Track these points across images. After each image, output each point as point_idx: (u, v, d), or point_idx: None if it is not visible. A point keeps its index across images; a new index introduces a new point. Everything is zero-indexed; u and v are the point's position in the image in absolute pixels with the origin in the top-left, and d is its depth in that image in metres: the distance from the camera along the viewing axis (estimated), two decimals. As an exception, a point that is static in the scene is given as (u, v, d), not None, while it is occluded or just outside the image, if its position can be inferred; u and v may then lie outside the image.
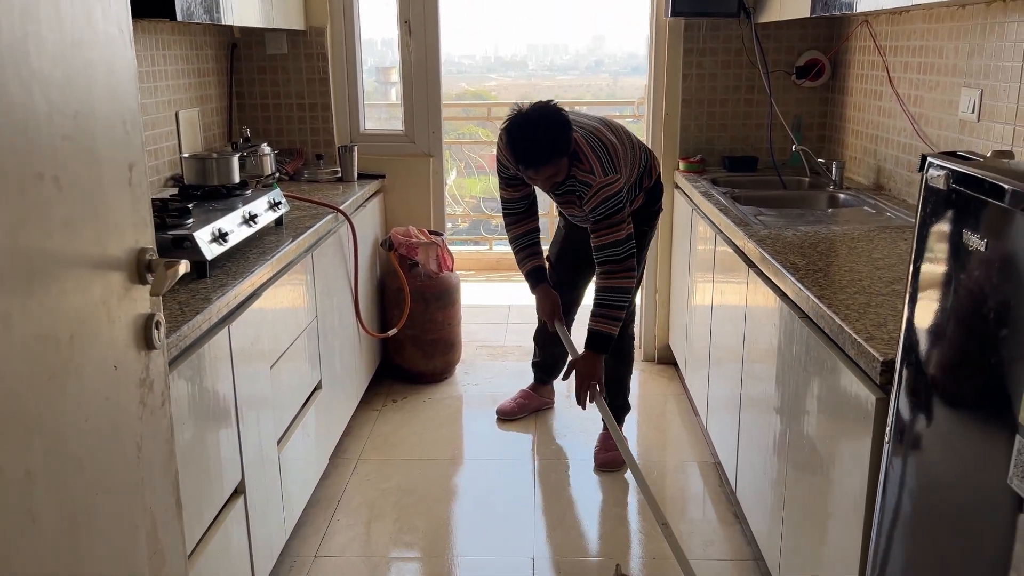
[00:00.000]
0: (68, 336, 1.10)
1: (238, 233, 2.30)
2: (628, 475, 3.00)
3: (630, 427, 3.31)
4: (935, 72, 2.65)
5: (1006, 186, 1.12)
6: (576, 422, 3.42)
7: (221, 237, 2.19)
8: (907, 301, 1.38)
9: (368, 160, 3.71)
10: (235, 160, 2.71)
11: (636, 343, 3.59)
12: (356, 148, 3.56)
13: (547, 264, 3.11)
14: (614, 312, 2.67)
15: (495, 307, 4.92)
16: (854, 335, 1.62)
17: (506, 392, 3.65)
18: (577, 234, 3.08)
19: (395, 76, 7.33)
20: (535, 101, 2.59)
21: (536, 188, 2.88)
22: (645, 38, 3.78)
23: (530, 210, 2.97)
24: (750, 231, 2.47)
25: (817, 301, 1.82)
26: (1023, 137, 2.16)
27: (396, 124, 3.91)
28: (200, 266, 2.05)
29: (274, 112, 3.74)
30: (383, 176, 3.74)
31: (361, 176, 3.61)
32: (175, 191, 2.71)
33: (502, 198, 2.96)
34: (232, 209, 2.38)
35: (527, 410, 3.48)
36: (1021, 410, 1.04)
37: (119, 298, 1.23)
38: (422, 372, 3.74)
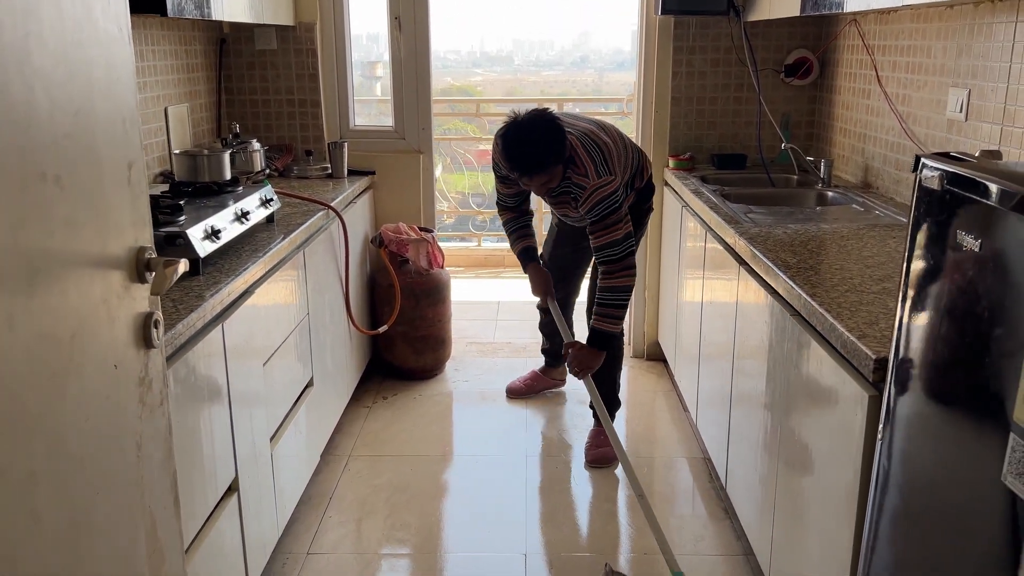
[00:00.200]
0: (69, 335, 1.10)
1: (230, 230, 2.29)
2: (619, 471, 3.01)
3: (619, 424, 3.33)
4: (923, 72, 2.67)
5: (1000, 187, 1.13)
6: (567, 419, 3.43)
7: (214, 234, 2.19)
8: (900, 300, 1.40)
9: (358, 156, 3.71)
10: (226, 156, 2.70)
11: (625, 339, 3.63)
12: (346, 144, 3.55)
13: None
14: (614, 311, 2.69)
15: (484, 304, 4.93)
16: (846, 333, 1.64)
17: (497, 389, 3.68)
18: (569, 233, 3.11)
19: (380, 71, 7.31)
20: (530, 109, 2.62)
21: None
22: (632, 34, 3.80)
23: (524, 204, 3.05)
24: (741, 229, 2.49)
25: (809, 299, 1.84)
26: (1010, 137, 2.19)
27: (383, 120, 3.91)
28: (193, 263, 2.04)
29: (263, 108, 3.73)
30: (373, 172, 3.73)
31: (351, 173, 3.60)
32: (165, 187, 2.70)
33: (497, 190, 3.02)
34: (224, 206, 2.38)
35: (534, 390, 3.61)
36: (1015, 408, 1.06)
37: (119, 297, 1.23)
38: (412, 369, 3.74)
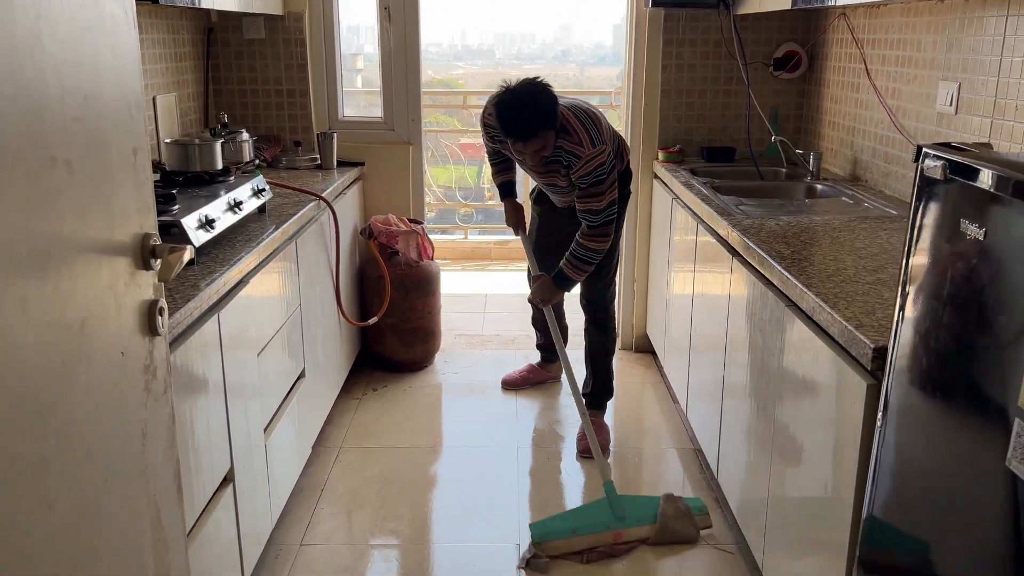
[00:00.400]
0: (80, 322, 1.09)
1: (224, 220, 2.28)
2: (611, 461, 3.03)
3: (608, 414, 3.35)
4: (913, 65, 2.70)
5: (1005, 175, 1.15)
6: (558, 410, 3.44)
7: (208, 224, 2.17)
8: (900, 289, 1.42)
9: (347, 147, 3.69)
10: (218, 146, 2.68)
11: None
12: (335, 135, 3.54)
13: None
14: (582, 265, 2.87)
15: (472, 296, 4.92)
16: (844, 323, 1.65)
17: (486, 381, 3.68)
18: (552, 226, 3.14)
19: (361, 63, 7.27)
20: (522, 78, 2.71)
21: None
22: (614, 29, 3.84)
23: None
24: (733, 220, 2.51)
25: (805, 289, 1.86)
26: (1000, 130, 2.22)
27: (369, 112, 3.89)
28: (188, 253, 2.02)
29: (251, 98, 3.70)
30: (362, 164, 3.72)
31: (340, 164, 3.58)
32: (156, 177, 2.67)
33: (486, 144, 3.16)
34: (216, 196, 2.36)
35: (529, 383, 3.65)
36: (1021, 394, 1.08)
37: (125, 284, 1.22)
38: (402, 361, 3.73)
